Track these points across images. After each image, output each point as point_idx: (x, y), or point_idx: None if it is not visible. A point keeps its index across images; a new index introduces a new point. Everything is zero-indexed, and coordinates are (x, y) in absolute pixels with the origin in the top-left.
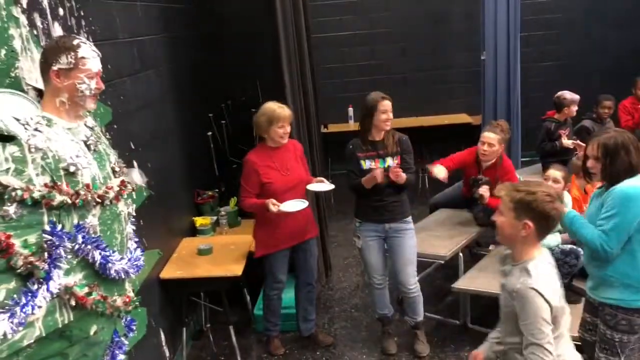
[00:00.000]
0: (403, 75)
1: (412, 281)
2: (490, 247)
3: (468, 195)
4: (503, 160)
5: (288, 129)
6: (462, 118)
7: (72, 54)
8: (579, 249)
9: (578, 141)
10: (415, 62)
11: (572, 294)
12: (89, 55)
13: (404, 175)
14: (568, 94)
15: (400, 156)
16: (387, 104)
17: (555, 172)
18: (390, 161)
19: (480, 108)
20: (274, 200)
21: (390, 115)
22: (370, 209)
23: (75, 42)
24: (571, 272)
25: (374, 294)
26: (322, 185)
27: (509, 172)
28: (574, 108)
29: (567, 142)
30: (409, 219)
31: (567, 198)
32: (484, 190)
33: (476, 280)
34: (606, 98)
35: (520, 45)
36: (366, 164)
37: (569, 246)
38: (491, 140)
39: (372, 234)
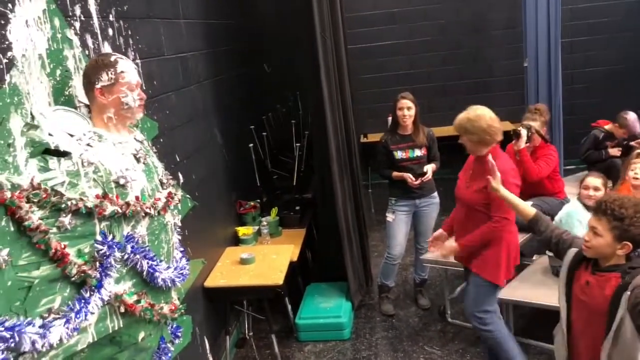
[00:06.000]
0: (443, 84)
1: (426, 242)
2: (534, 257)
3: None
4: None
5: None
6: (505, 126)
7: (112, 70)
8: None
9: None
10: (455, 70)
11: None
12: (127, 68)
13: (429, 176)
14: (632, 119)
15: (427, 147)
16: (403, 102)
17: (595, 180)
18: (418, 152)
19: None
20: None
21: (406, 112)
22: (403, 190)
23: (112, 58)
24: None
25: (386, 267)
26: None
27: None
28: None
29: (614, 150)
30: (435, 194)
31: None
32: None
33: (518, 291)
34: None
35: (563, 51)
36: (398, 154)
37: None
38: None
39: (405, 209)
